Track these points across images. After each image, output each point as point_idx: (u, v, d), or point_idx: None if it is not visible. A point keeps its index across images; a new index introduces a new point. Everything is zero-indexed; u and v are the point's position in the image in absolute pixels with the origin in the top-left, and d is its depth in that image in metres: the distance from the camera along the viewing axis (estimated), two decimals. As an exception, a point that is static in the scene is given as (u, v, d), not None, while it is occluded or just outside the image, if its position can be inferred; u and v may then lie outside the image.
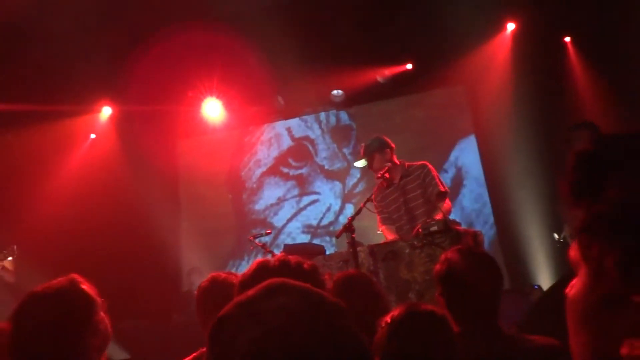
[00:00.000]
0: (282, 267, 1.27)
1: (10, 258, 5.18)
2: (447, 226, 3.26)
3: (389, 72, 6.87)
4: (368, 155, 4.03)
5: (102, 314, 1.65)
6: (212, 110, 7.17)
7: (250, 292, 0.78)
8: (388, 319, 1.52)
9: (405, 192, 3.94)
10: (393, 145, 4.08)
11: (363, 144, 4.13)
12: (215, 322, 0.75)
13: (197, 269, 6.84)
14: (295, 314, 0.73)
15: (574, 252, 0.67)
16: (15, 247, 5.13)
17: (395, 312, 1.54)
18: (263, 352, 0.70)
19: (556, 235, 5.37)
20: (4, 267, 5.09)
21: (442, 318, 1.56)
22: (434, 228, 3.26)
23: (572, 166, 0.63)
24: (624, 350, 0.57)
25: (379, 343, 1.49)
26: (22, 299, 1.58)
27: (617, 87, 5.56)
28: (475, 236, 3.34)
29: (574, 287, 0.68)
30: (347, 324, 0.76)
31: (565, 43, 6.40)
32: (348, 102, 7.29)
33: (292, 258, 1.33)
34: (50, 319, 1.52)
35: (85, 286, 1.64)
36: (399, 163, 4.05)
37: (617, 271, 0.58)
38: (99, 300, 1.65)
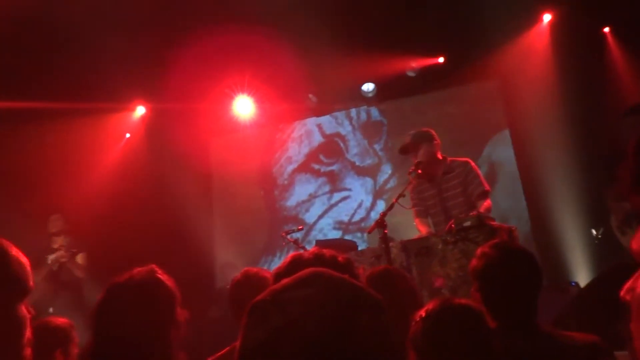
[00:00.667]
0: (317, 260, 1.28)
1: (81, 254, 5.40)
2: (481, 222, 3.22)
3: (420, 66, 6.80)
4: (415, 143, 3.94)
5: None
6: (244, 107, 7.24)
7: (286, 280, 0.80)
8: (423, 313, 1.52)
9: (446, 189, 3.88)
10: (439, 140, 4.01)
11: (411, 132, 4.04)
12: (249, 307, 0.78)
13: (230, 263, 6.92)
14: (318, 307, 0.74)
15: (637, 244, 0.65)
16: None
17: (430, 306, 1.53)
18: (278, 342, 0.71)
19: (594, 231, 5.24)
20: (72, 260, 5.28)
21: (478, 312, 1.54)
22: (467, 223, 3.22)
23: (634, 154, 0.61)
24: None
25: (414, 337, 1.49)
26: (104, 290, 1.55)
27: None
28: (510, 232, 3.28)
29: (638, 286, 0.65)
30: (377, 320, 0.76)
31: (605, 34, 6.20)
32: (379, 98, 7.25)
33: (327, 251, 1.34)
34: (134, 311, 1.49)
35: (166, 278, 1.62)
36: (441, 158, 3.98)
37: None
38: (178, 293, 1.63)
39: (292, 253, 1.38)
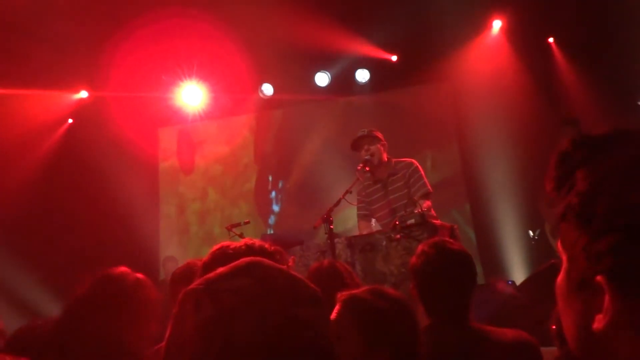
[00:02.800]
0: (247, 250, 1.26)
1: None
2: (425, 219, 3.28)
3: (373, 63, 6.82)
4: (365, 141, 3.98)
5: None
6: (194, 98, 7.09)
7: (222, 269, 0.77)
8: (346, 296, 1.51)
9: (392, 190, 3.94)
10: (386, 142, 4.08)
11: (366, 129, 4.08)
12: (181, 295, 0.75)
13: (172, 257, 6.78)
14: (253, 298, 0.72)
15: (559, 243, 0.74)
16: None
17: (361, 294, 1.53)
18: (209, 334, 0.69)
19: (531, 232, 5.45)
20: None
21: (407, 304, 1.57)
22: (412, 221, 3.28)
23: (552, 164, 0.70)
24: (596, 326, 0.64)
25: (340, 319, 1.48)
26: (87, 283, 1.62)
27: (600, 86, 5.64)
28: (452, 230, 3.37)
29: (559, 275, 0.73)
30: (314, 314, 0.74)
31: (549, 43, 6.45)
32: (331, 93, 7.24)
33: (257, 241, 1.32)
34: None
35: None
36: (387, 160, 4.03)
37: (583, 255, 0.65)
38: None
39: (219, 243, 1.35)
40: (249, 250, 1.26)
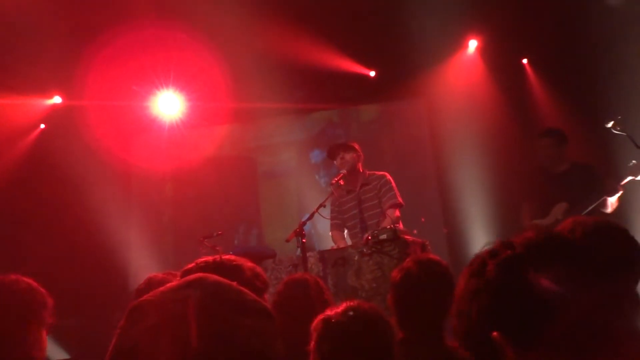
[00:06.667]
0: (204, 267, 1.25)
1: None
2: (396, 235, 3.29)
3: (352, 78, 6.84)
4: (345, 148, 4.04)
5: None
6: (169, 107, 7.01)
7: (172, 283, 0.79)
8: (328, 316, 1.50)
9: (362, 200, 3.98)
10: (362, 154, 4.14)
11: (342, 141, 4.14)
12: (129, 307, 0.75)
13: (147, 266, 6.64)
14: (198, 307, 0.72)
15: None
16: None
17: (337, 309, 1.52)
18: (151, 341, 0.69)
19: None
20: None
21: (382, 317, 1.55)
22: (383, 236, 3.29)
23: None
24: None
25: (318, 340, 1.47)
26: None
27: (571, 107, 5.78)
28: (424, 246, 3.38)
29: None
30: (261, 325, 0.75)
31: (523, 64, 6.59)
32: (308, 107, 7.23)
33: (216, 257, 1.31)
34: None
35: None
36: (361, 171, 4.08)
37: None
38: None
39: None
40: (206, 266, 1.25)
